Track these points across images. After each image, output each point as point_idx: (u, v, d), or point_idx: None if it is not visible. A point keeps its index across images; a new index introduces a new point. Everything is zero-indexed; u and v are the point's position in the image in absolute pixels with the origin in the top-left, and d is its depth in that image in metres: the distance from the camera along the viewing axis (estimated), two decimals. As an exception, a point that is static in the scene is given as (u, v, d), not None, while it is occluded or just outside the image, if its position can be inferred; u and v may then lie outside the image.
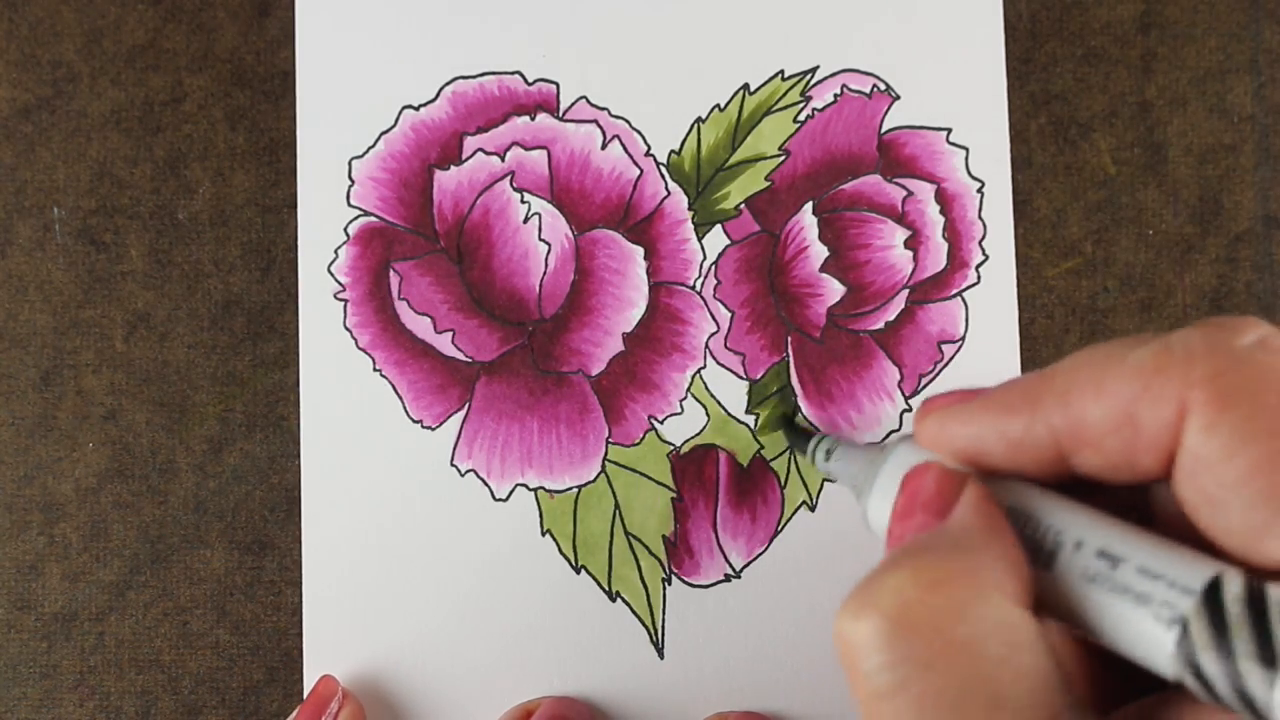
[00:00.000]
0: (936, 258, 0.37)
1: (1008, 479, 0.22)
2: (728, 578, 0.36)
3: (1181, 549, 0.19)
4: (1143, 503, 0.22)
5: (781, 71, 0.37)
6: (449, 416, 0.36)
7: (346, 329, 0.37)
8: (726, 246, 0.37)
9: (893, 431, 0.36)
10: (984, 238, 0.37)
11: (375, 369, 0.36)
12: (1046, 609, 0.20)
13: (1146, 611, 0.18)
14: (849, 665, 0.19)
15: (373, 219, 0.37)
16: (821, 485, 0.36)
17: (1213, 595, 0.17)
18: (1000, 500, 0.21)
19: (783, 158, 0.37)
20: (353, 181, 0.37)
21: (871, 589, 0.19)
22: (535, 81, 0.37)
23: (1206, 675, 0.17)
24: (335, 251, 0.37)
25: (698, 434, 0.36)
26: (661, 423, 0.36)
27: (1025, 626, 0.18)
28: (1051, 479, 0.21)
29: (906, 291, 0.37)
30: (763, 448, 0.36)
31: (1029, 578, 0.20)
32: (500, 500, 0.36)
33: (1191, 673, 0.17)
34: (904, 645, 0.18)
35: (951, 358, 0.36)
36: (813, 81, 0.37)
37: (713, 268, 0.37)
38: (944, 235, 0.37)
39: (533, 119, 0.37)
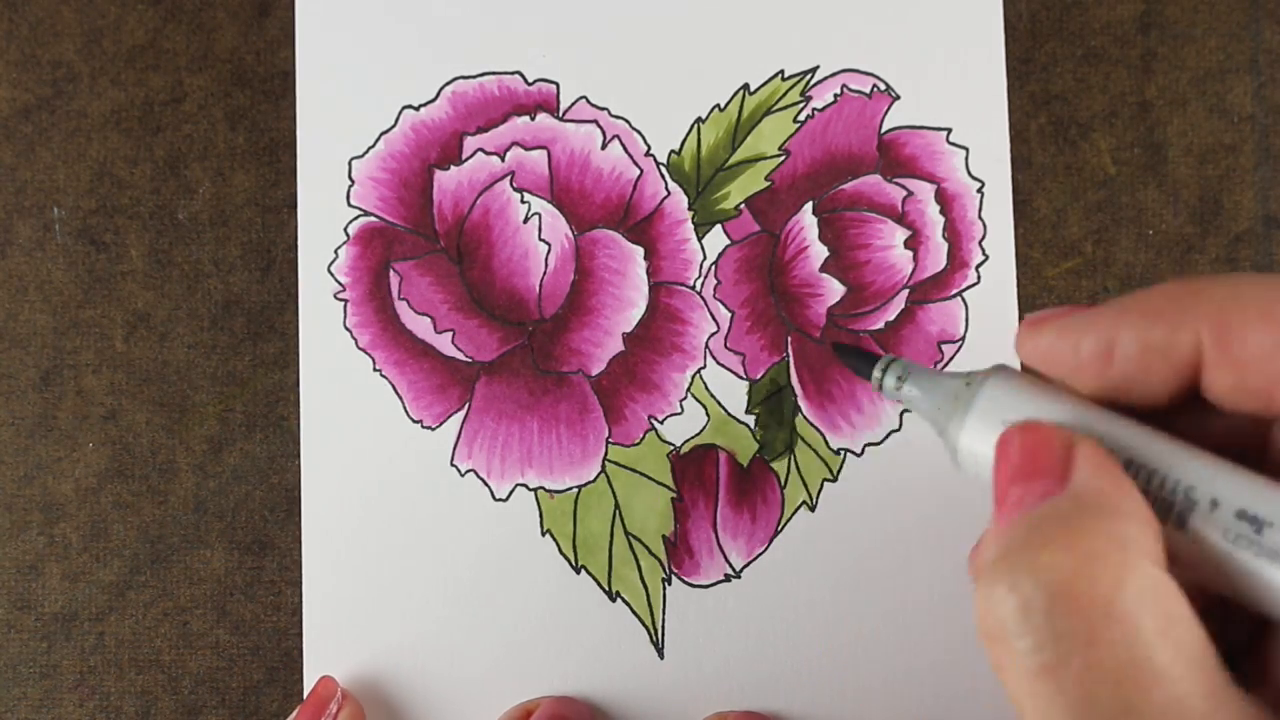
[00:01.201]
0: (936, 258, 0.37)
1: (1121, 423, 0.20)
2: (728, 578, 0.36)
3: None
4: (1254, 432, 0.21)
5: (781, 71, 0.37)
6: (449, 416, 0.36)
7: (346, 329, 0.37)
8: (726, 246, 0.37)
9: (893, 432, 0.36)
10: (984, 238, 0.37)
11: (375, 369, 0.36)
12: (1179, 569, 0.19)
13: None
14: (997, 645, 0.18)
15: (373, 219, 0.37)
16: (821, 485, 0.36)
17: None
18: (1120, 450, 0.20)
19: (783, 158, 0.37)
20: (353, 181, 0.37)
21: (1020, 561, 0.18)
22: (535, 81, 0.37)
23: None
24: (335, 251, 0.37)
25: (698, 434, 0.36)
26: (661, 423, 0.36)
27: (1175, 596, 0.18)
28: (1169, 401, 0.20)
29: (906, 291, 0.37)
30: (763, 448, 0.36)
31: (1163, 537, 0.19)
32: (500, 500, 0.36)
33: None
34: (1064, 621, 0.17)
35: (951, 358, 0.36)
36: (813, 81, 0.37)
37: (713, 268, 0.37)
38: (944, 235, 0.37)
39: (533, 119, 0.37)
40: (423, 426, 0.36)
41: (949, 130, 0.37)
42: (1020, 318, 0.37)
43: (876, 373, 0.27)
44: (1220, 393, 0.20)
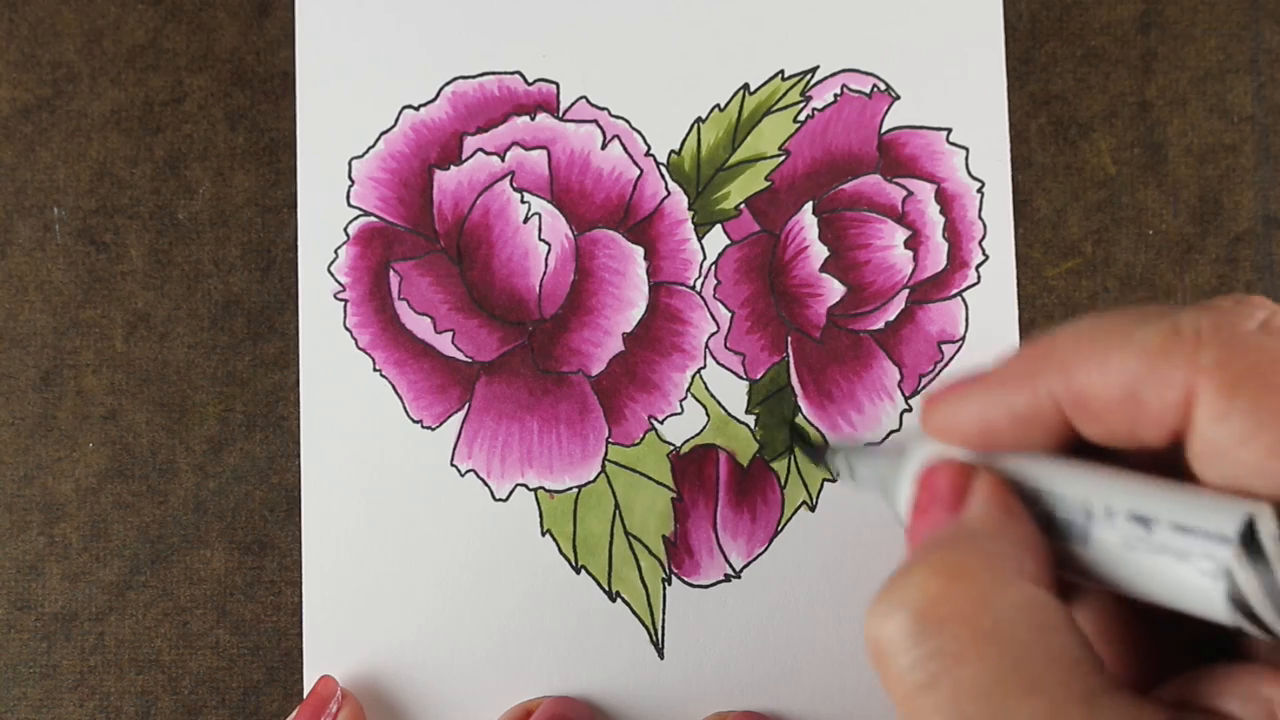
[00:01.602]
0: (936, 258, 0.37)
1: (1024, 458, 0.22)
2: (728, 578, 0.36)
3: (1211, 496, 0.19)
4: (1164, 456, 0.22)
5: (781, 71, 0.37)
6: (449, 416, 0.36)
7: (346, 329, 0.37)
8: (726, 246, 0.37)
9: (893, 432, 0.36)
10: (984, 238, 0.37)
11: (375, 369, 0.36)
12: (1089, 579, 0.20)
13: (1190, 568, 0.18)
14: (881, 664, 0.19)
15: (373, 219, 0.37)
16: (821, 485, 0.36)
17: (1249, 539, 0.18)
18: (1024, 480, 0.21)
19: (783, 158, 0.37)
20: (353, 181, 0.37)
21: (896, 587, 0.19)
22: (535, 81, 0.37)
23: (1261, 619, 0.17)
24: (335, 251, 0.37)
25: (698, 434, 0.36)
26: (661, 423, 0.36)
27: (1051, 608, 0.19)
28: (1065, 447, 0.21)
29: (906, 291, 0.37)
30: (763, 448, 0.36)
31: (1049, 559, 0.20)
32: (500, 500, 0.36)
33: (1246, 617, 0.18)
34: (933, 640, 0.18)
35: (951, 358, 0.36)
36: (813, 81, 0.37)
37: (713, 268, 0.37)
38: (944, 235, 0.37)
39: (533, 119, 0.37)
40: (423, 426, 0.36)
41: (949, 130, 0.37)
42: (1020, 317, 0.37)
43: (831, 461, 0.30)
44: (1096, 439, 0.21)
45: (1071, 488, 0.20)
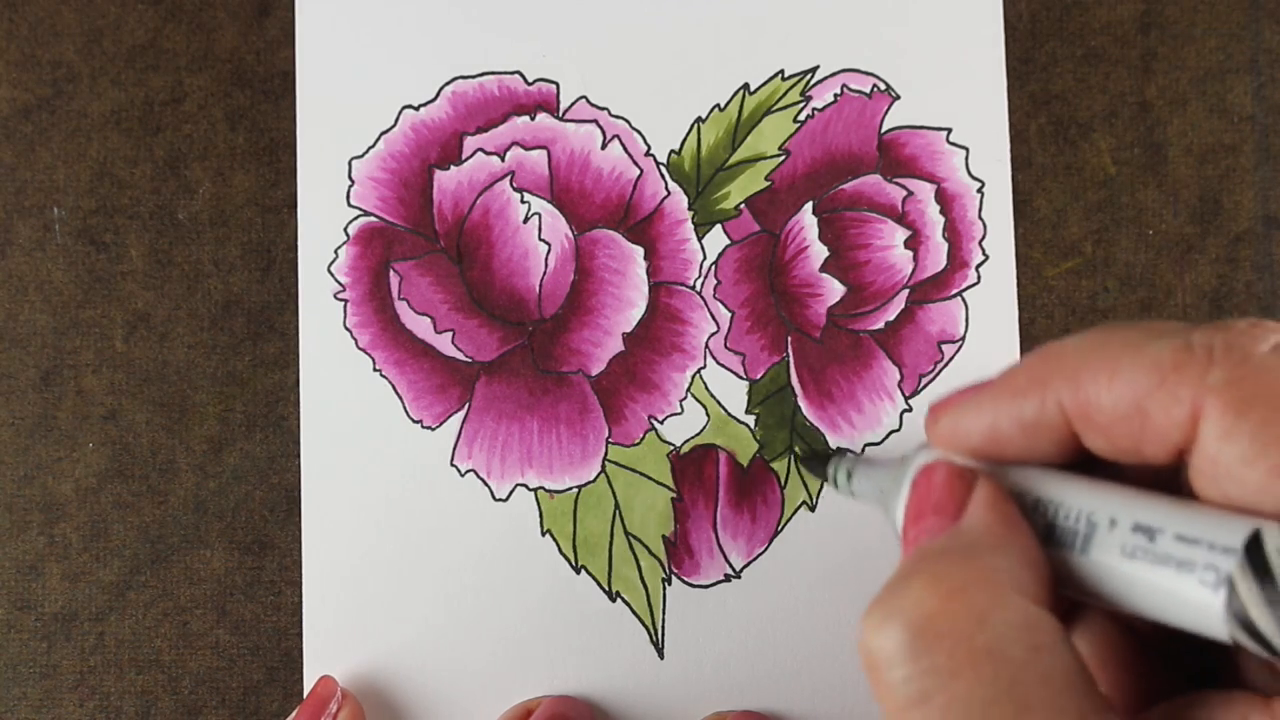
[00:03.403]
0: (936, 258, 0.37)
1: (1029, 468, 0.22)
2: (728, 578, 0.36)
3: (1216, 511, 0.19)
4: (1167, 475, 0.22)
5: (781, 71, 0.37)
6: (449, 416, 0.36)
7: (346, 329, 0.37)
8: (726, 246, 0.37)
9: (893, 432, 0.36)
10: (984, 238, 0.37)
11: (375, 369, 0.36)
12: (1086, 593, 0.20)
13: (1191, 578, 0.18)
14: (874, 675, 0.19)
15: (373, 219, 0.37)
16: (821, 486, 0.36)
17: (1254, 550, 0.17)
18: (1026, 490, 0.21)
19: (783, 158, 0.37)
20: (353, 181, 0.37)
21: (892, 599, 0.19)
22: (535, 81, 0.37)
23: (1259, 629, 0.17)
24: (335, 251, 0.37)
25: (698, 434, 0.36)
26: (661, 423, 0.36)
27: (1048, 627, 0.18)
28: (1071, 460, 0.21)
29: (906, 291, 0.37)
30: (763, 448, 0.36)
31: (1048, 575, 0.20)
32: (500, 500, 0.36)
33: (1244, 630, 0.18)
34: (928, 656, 0.18)
35: (951, 358, 0.36)
36: (813, 81, 0.37)
37: (713, 268, 0.37)
38: (944, 235, 0.37)
39: (533, 119, 0.37)
40: (423, 426, 0.36)
41: (949, 130, 0.37)
42: (1020, 317, 0.37)
43: (830, 470, 0.29)
44: (1100, 452, 0.20)
45: (1075, 497, 0.20)
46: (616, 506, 0.36)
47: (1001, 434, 0.21)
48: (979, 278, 0.37)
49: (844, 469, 0.29)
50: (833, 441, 0.36)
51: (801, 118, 0.37)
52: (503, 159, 0.37)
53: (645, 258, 0.37)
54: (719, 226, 0.37)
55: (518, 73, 0.37)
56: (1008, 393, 0.21)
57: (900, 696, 0.18)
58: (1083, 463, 0.21)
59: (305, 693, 0.35)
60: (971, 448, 0.22)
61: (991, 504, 0.20)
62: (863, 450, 0.36)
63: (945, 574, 0.19)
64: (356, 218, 0.37)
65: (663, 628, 0.36)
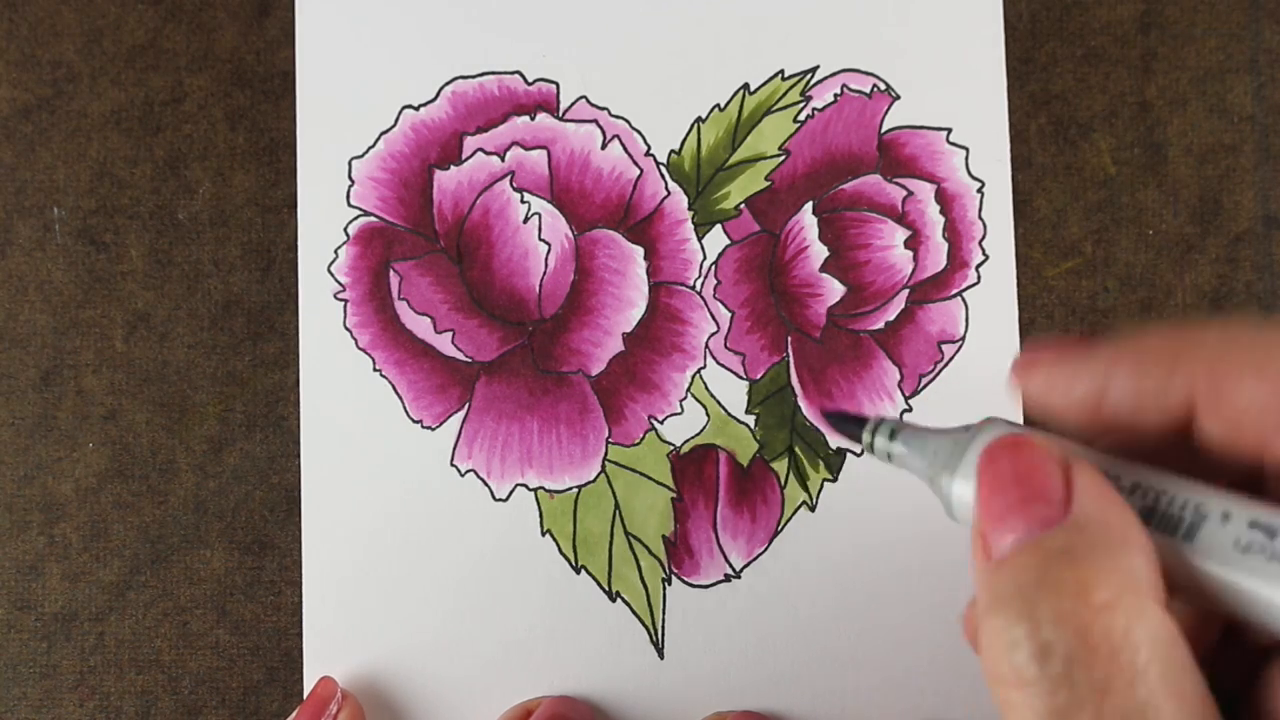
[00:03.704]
0: (936, 258, 0.37)
1: (1105, 456, 0.20)
2: (728, 578, 0.36)
3: None
4: (1243, 480, 0.21)
5: (781, 71, 0.37)
6: (449, 416, 0.36)
7: (346, 329, 0.37)
8: (726, 246, 0.37)
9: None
10: (984, 238, 0.37)
11: (375, 369, 0.36)
12: (1184, 589, 0.19)
13: None
14: (1006, 684, 0.18)
15: (373, 219, 0.37)
16: (821, 485, 0.36)
17: None
18: (1121, 473, 0.20)
19: (783, 157, 0.37)
20: (353, 181, 0.37)
21: (1036, 603, 0.17)
22: (535, 81, 0.37)
23: None
24: (335, 251, 0.37)
25: (698, 434, 0.36)
26: (661, 423, 0.36)
27: (1181, 643, 0.18)
28: (1157, 442, 0.20)
29: (906, 291, 0.37)
30: (763, 448, 0.36)
31: (1162, 569, 0.19)
32: (500, 500, 0.36)
33: None
34: (1082, 669, 0.17)
35: (951, 358, 0.36)
36: (813, 81, 0.37)
37: (713, 268, 0.37)
38: (944, 235, 0.37)
39: (533, 119, 0.37)
40: (423, 426, 0.36)
41: (949, 130, 0.37)
42: (1020, 317, 0.37)
43: (866, 435, 0.27)
44: (1211, 441, 0.20)
45: (1180, 487, 0.19)
46: (616, 506, 0.36)
47: (1110, 401, 0.20)
48: (979, 278, 0.37)
49: (886, 429, 0.26)
50: (833, 442, 0.36)
51: (801, 118, 0.37)
52: (503, 159, 0.37)
53: (645, 258, 0.37)
54: (719, 226, 0.37)
55: (518, 73, 0.37)
56: (1131, 358, 0.20)
57: (1040, 708, 0.17)
58: (1158, 454, 0.20)
59: (305, 693, 0.35)
60: (1070, 406, 0.20)
61: (1100, 495, 0.19)
62: (862, 451, 0.36)
63: (1094, 582, 0.17)
64: (356, 218, 0.37)
65: (663, 628, 0.36)
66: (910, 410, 0.36)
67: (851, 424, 0.29)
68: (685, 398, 0.36)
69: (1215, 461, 0.20)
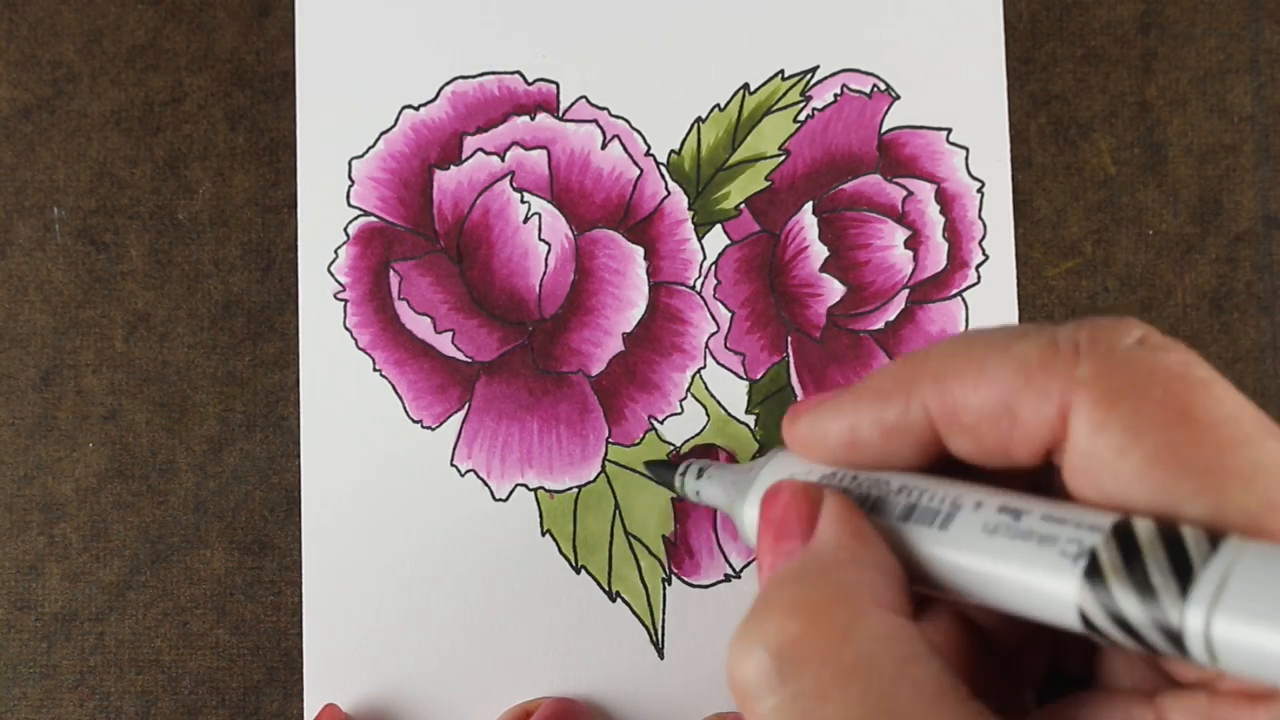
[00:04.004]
0: (936, 258, 0.37)
1: (880, 474, 0.21)
2: (728, 578, 0.36)
3: (1088, 506, 0.18)
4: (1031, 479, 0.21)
5: (781, 71, 0.37)
6: (449, 416, 0.36)
7: (346, 329, 0.37)
8: (726, 246, 0.37)
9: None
10: (984, 238, 0.37)
11: (375, 369, 0.36)
12: (940, 583, 0.20)
13: (1052, 550, 0.17)
14: (745, 705, 0.19)
15: (373, 219, 0.37)
16: (821, 485, 0.36)
17: (1123, 529, 0.17)
18: (883, 482, 0.21)
19: (783, 157, 0.37)
20: (353, 181, 0.37)
21: (755, 628, 0.19)
22: (535, 81, 0.37)
23: (1117, 605, 0.17)
24: (335, 251, 0.37)
25: (698, 434, 0.36)
26: (661, 423, 0.36)
27: (912, 637, 0.18)
28: (932, 465, 0.21)
29: (906, 291, 0.37)
30: (763, 448, 0.36)
31: (904, 580, 0.20)
32: (500, 500, 0.36)
33: (1100, 607, 0.17)
34: (795, 681, 0.18)
35: (951, 358, 0.36)
36: (813, 81, 0.37)
37: (713, 268, 0.37)
38: (944, 235, 0.37)
39: (533, 119, 0.37)
40: (423, 426, 0.36)
41: (949, 130, 0.37)
42: (1020, 317, 0.37)
43: (677, 480, 0.29)
44: (965, 455, 0.20)
45: (942, 485, 0.20)
46: (616, 506, 0.36)
47: (861, 437, 0.21)
48: (979, 278, 0.37)
49: (694, 469, 0.29)
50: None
51: (801, 118, 0.37)
52: (503, 159, 0.37)
53: (645, 258, 0.37)
54: (719, 226, 0.37)
55: (518, 73, 0.37)
56: (870, 396, 0.21)
57: None
58: (945, 468, 0.21)
59: (305, 693, 0.35)
60: (830, 451, 0.22)
61: (840, 517, 0.20)
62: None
63: (803, 597, 0.19)
64: (356, 218, 0.37)
65: (663, 628, 0.36)
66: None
67: (666, 470, 0.31)
68: (685, 398, 0.36)
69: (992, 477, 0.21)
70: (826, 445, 0.22)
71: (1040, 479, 0.20)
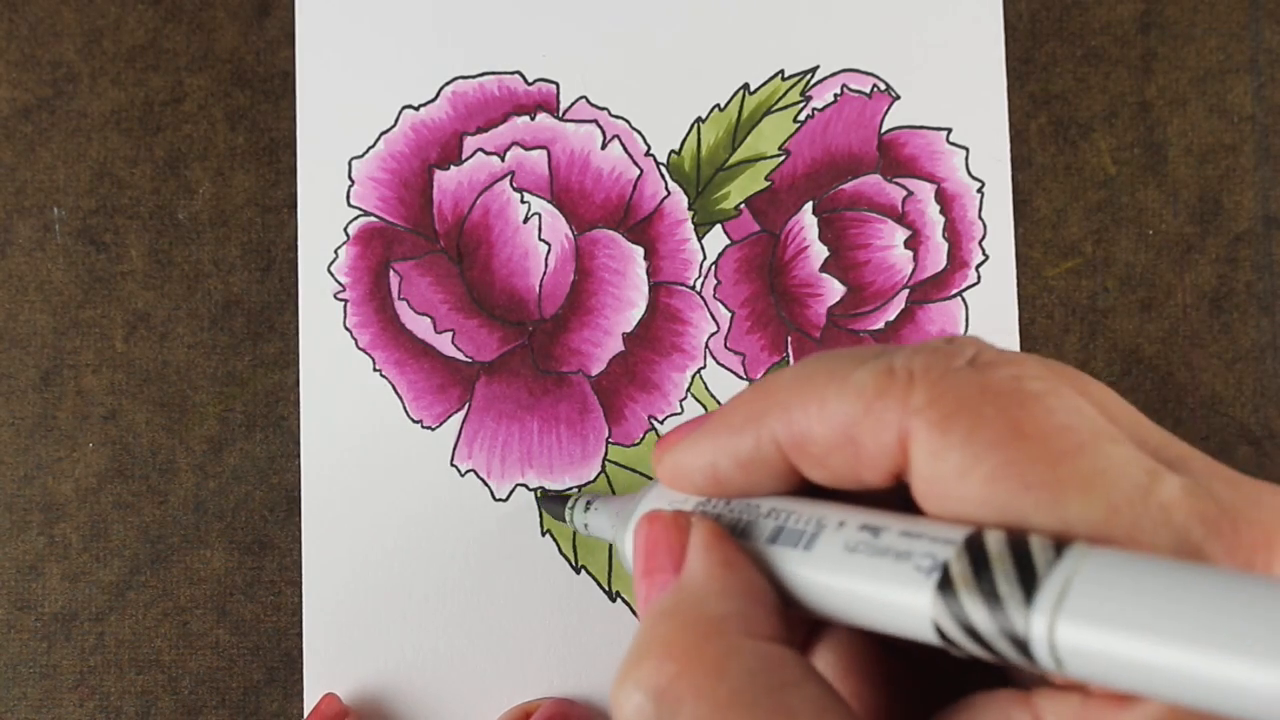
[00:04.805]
0: (936, 258, 0.37)
1: (751, 499, 0.21)
2: (728, 578, 0.36)
3: (945, 522, 0.18)
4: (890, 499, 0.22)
5: (781, 71, 0.37)
6: (449, 416, 0.36)
7: (346, 329, 0.37)
8: (726, 246, 0.37)
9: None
10: (984, 238, 0.37)
11: (375, 369, 0.36)
12: (810, 604, 0.20)
13: (907, 565, 0.18)
14: None
15: (373, 219, 0.37)
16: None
17: (974, 542, 0.17)
18: (753, 506, 0.21)
19: (783, 158, 0.37)
20: (353, 181, 0.37)
21: (631, 671, 0.19)
22: (535, 81, 0.37)
23: (967, 615, 0.17)
24: (335, 251, 0.37)
25: (698, 434, 0.36)
26: (662, 423, 0.36)
27: (788, 662, 0.18)
28: (794, 491, 0.21)
29: (906, 291, 0.37)
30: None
31: (777, 605, 0.20)
32: (500, 500, 0.36)
33: (953, 618, 0.17)
34: (677, 714, 0.18)
35: (951, 358, 0.36)
36: (813, 81, 0.37)
37: (713, 268, 0.37)
38: (944, 235, 0.37)
39: (533, 119, 0.37)
40: (423, 426, 0.36)
41: (949, 130, 0.37)
42: (1020, 317, 0.37)
43: (567, 512, 0.29)
44: (821, 481, 0.20)
45: (809, 507, 0.20)
46: (616, 506, 0.36)
47: (721, 472, 0.21)
48: (979, 278, 0.37)
49: (583, 501, 0.29)
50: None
51: (801, 118, 0.37)
52: (503, 159, 0.37)
53: (645, 258, 0.37)
54: (719, 226, 0.37)
55: (518, 73, 0.37)
56: (724, 430, 0.21)
57: None
58: (810, 490, 0.21)
59: (305, 693, 0.35)
60: (696, 484, 0.22)
61: (709, 546, 0.20)
62: None
63: (676, 636, 0.19)
64: (356, 218, 0.37)
65: (663, 628, 0.36)
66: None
67: (557, 504, 0.32)
68: (685, 398, 0.36)
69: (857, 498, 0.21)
70: (692, 480, 0.22)
71: (909, 494, 0.21)
